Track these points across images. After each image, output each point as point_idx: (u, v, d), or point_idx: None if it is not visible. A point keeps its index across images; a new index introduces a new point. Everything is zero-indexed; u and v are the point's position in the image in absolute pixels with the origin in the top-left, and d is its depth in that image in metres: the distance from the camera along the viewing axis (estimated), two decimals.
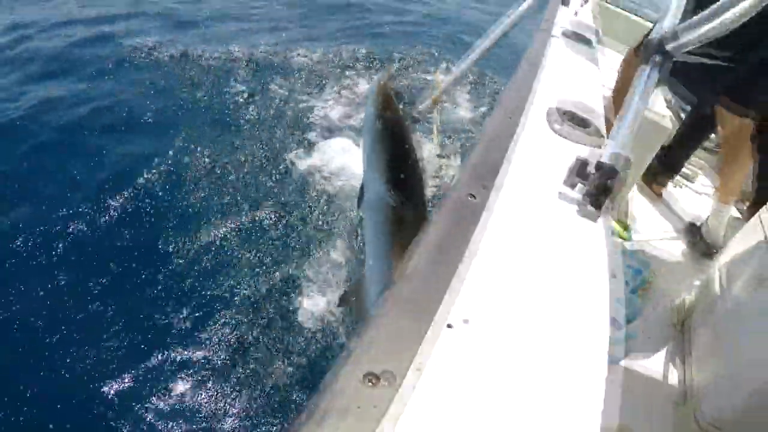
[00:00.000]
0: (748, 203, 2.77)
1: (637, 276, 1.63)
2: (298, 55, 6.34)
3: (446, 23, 8.07)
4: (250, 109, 5.16)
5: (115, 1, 7.09)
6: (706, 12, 0.69)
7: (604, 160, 0.67)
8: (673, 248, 2.35)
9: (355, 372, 0.44)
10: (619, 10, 3.25)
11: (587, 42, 1.71)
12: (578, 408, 0.49)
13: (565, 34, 1.68)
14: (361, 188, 1.53)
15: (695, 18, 0.70)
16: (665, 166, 2.59)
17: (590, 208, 0.67)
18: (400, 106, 1.90)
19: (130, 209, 3.61)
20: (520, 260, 0.58)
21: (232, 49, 6.22)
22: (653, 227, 2.45)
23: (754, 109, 2.04)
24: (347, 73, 6.14)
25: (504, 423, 0.45)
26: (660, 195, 2.64)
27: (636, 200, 2.54)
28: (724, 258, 1.87)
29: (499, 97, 1.05)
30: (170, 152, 4.20)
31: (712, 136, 2.68)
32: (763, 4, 0.70)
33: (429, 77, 6.05)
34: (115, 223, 3.45)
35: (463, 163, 0.72)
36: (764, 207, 1.76)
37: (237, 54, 6.14)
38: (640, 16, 3.27)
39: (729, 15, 0.64)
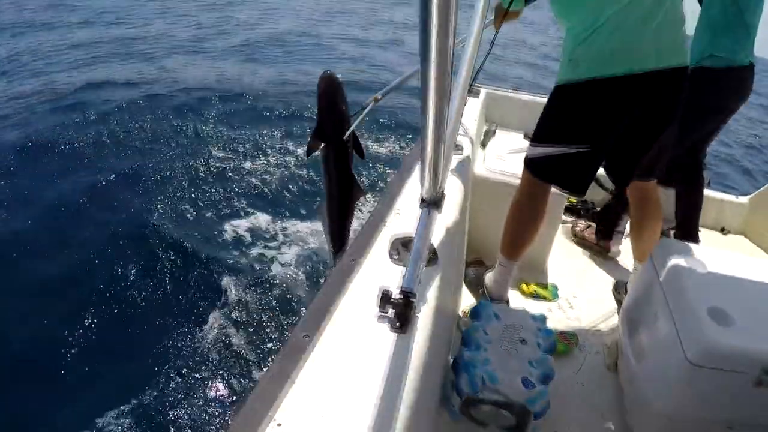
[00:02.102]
0: (673, 231, 3.08)
1: (548, 337, 1.85)
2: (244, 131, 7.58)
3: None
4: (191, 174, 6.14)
5: None
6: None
7: (404, 286, 0.94)
8: (602, 298, 2.58)
9: None
10: (510, 94, 3.48)
11: (459, 150, 2.02)
12: None
13: None
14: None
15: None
16: (605, 226, 2.93)
17: (398, 324, 0.93)
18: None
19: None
20: (333, 375, 0.83)
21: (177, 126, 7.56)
22: (580, 282, 2.70)
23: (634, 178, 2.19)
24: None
25: None
26: (609, 250, 2.94)
27: (558, 261, 2.80)
28: (629, 298, 2.11)
29: (364, 224, 1.33)
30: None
31: None
32: None
33: None
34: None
35: (308, 306, 0.98)
36: (655, 247, 2.02)
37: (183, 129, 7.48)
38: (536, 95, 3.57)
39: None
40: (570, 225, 3.13)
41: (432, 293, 1.11)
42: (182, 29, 16.08)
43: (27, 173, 5.82)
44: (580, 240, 3.05)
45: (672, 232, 3.10)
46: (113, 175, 5.86)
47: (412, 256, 0.96)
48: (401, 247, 1.18)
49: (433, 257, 1.18)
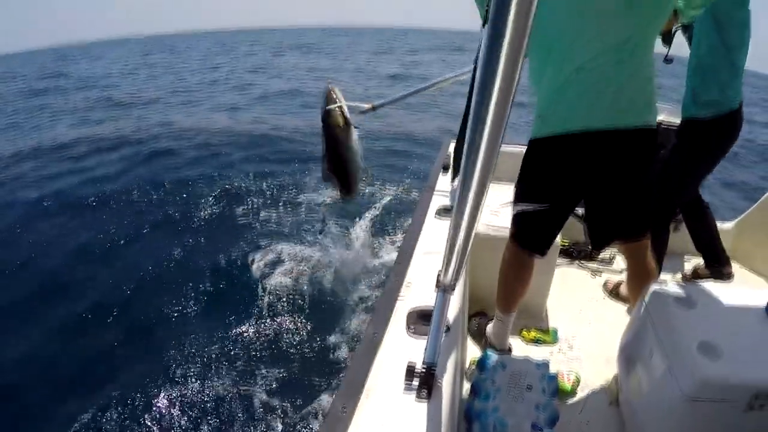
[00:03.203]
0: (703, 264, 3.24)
1: (552, 381, 2.01)
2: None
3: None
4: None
5: None
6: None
7: (427, 361, 1.12)
8: (601, 336, 2.71)
9: None
10: (505, 148, 3.64)
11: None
12: None
13: (438, 214, 2.17)
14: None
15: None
16: (712, 256, 3.20)
17: (423, 392, 1.10)
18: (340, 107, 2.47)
19: None
20: None
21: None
22: (579, 322, 2.85)
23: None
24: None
25: None
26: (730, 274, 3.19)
27: (556, 304, 2.96)
28: (625, 338, 2.23)
29: (378, 300, 1.51)
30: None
31: None
32: None
33: None
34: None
35: (341, 381, 1.15)
36: (647, 291, 2.12)
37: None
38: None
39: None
40: (603, 282, 3.26)
41: (446, 356, 1.28)
42: (173, 93, 16.91)
43: (49, 225, 6.53)
44: (615, 297, 3.12)
45: (702, 267, 3.25)
46: (132, 225, 6.52)
47: (431, 334, 1.14)
48: (417, 319, 1.36)
49: (447, 329, 1.35)
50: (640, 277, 2.21)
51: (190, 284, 5.12)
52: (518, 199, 2.09)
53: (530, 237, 2.12)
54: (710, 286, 2.03)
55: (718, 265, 3.18)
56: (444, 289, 1.18)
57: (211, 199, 7.33)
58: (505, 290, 2.25)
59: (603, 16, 1.67)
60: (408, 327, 1.34)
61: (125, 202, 7.30)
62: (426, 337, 1.19)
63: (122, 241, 6.09)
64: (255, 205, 7.13)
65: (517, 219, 2.11)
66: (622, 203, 2.02)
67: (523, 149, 3.48)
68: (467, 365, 2.32)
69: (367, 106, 2.59)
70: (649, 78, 1.80)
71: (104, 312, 4.72)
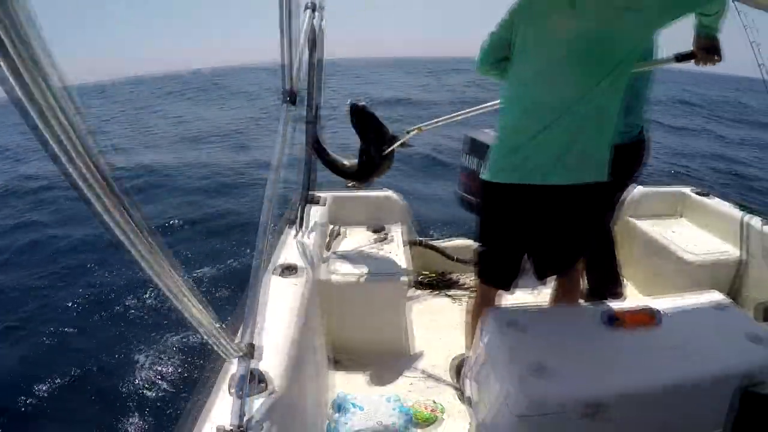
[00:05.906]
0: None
1: (404, 413, 2.14)
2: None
3: None
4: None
5: None
6: None
7: (233, 422, 1.21)
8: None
9: None
10: (355, 193, 3.58)
11: (294, 271, 2.22)
12: None
13: (275, 271, 2.14)
14: None
15: None
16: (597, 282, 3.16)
17: None
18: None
19: None
20: None
21: None
22: (438, 351, 2.97)
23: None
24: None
25: None
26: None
27: (419, 338, 3.10)
28: (471, 361, 2.28)
29: (208, 365, 1.56)
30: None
31: None
32: None
33: None
34: None
35: None
36: (484, 313, 2.21)
37: None
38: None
39: None
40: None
41: (273, 413, 1.36)
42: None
43: None
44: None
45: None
46: None
47: (233, 398, 1.24)
48: (240, 380, 1.44)
49: (263, 389, 1.43)
50: (569, 294, 2.30)
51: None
52: (481, 240, 2.13)
53: (494, 274, 2.16)
54: (546, 307, 2.19)
55: (612, 286, 3.18)
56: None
57: None
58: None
59: (581, 74, 1.68)
60: (230, 389, 1.41)
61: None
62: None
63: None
64: None
65: (481, 258, 2.15)
66: (568, 245, 2.09)
67: (377, 193, 3.65)
68: (328, 407, 2.40)
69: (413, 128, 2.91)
70: (611, 129, 1.81)
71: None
